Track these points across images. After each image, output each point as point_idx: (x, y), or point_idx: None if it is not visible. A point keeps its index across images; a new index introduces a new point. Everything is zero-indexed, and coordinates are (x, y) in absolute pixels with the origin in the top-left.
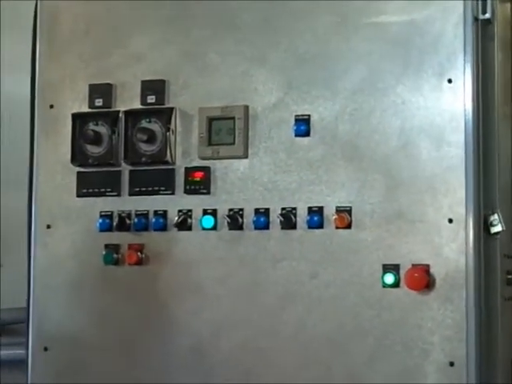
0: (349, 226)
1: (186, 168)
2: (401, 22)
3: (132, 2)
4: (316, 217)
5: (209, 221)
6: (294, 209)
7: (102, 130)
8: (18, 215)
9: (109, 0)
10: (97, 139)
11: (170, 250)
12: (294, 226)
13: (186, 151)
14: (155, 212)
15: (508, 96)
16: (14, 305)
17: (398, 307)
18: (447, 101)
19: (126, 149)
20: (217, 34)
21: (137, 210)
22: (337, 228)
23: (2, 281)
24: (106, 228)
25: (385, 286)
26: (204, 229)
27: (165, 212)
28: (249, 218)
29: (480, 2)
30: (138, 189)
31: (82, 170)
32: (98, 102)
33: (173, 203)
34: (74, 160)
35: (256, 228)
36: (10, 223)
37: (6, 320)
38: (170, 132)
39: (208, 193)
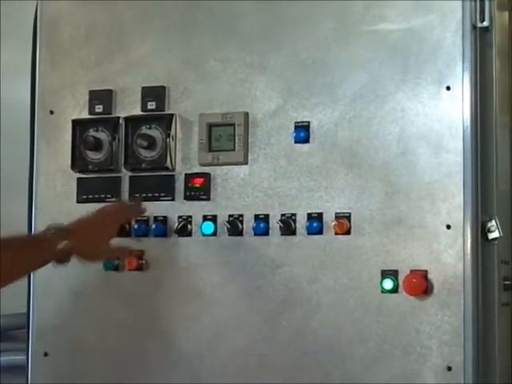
0: (348, 232)
1: (186, 174)
2: (400, 30)
3: (133, 9)
4: (315, 223)
5: (209, 227)
6: (294, 215)
7: (103, 136)
8: (19, 221)
9: (110, 6)
10: (97, 145)
11: (170, 255)
12: (293, 232)
13: (186, 157)
14: (155, 218)
15: (506, 103)
16: (14, 311)
17: (397, 312)
18: (446, 108)
19: (127, 155)
20: (217, 41)
21: None
22: (336, 234)
23: None
24: None
25: (383, 291)
26: (204, 235)
27: (165, 218)
28: (249, 223)
29: (478, 10)
30: (138, 195)
31: (82, 176)
32: (99, 109)
33: (173, 209)
34: (74, 166)
35: (256, 234)
36: (10, 230)
37: (6, 326)
38: (170, 138)
39: (208, 199)
